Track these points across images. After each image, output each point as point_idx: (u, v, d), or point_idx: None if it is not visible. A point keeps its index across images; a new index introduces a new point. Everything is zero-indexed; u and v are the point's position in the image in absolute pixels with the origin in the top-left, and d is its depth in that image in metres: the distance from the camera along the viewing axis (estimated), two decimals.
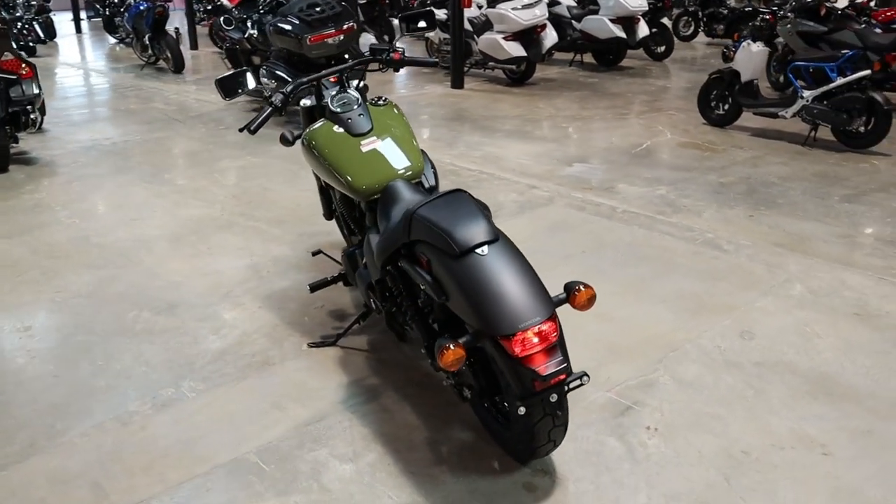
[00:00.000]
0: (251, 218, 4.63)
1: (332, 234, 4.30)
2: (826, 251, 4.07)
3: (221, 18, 7.39)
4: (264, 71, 6.57)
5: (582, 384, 2.02)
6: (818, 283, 3.68)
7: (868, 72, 5.89)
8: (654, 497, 2.25)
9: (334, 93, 3.08)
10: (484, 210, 2.28)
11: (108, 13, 13.96)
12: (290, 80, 6.24)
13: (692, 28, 14.01)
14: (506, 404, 2.29)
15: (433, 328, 2.49)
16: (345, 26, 6.32)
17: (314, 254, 3.59)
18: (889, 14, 9.13)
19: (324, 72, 3.13)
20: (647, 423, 2.60)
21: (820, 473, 2.37)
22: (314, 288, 3.25)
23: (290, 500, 2.25)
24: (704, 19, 13.73)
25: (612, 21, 9.99)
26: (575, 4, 10.88)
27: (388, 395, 2.77)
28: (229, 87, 3.04)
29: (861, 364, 2.97)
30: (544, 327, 1.96)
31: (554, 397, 1.98)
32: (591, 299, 2.10)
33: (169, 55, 10.32)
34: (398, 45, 3.33)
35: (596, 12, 10.18)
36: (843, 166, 5.75)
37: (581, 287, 2.09)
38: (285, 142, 3.24)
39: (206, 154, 6.21)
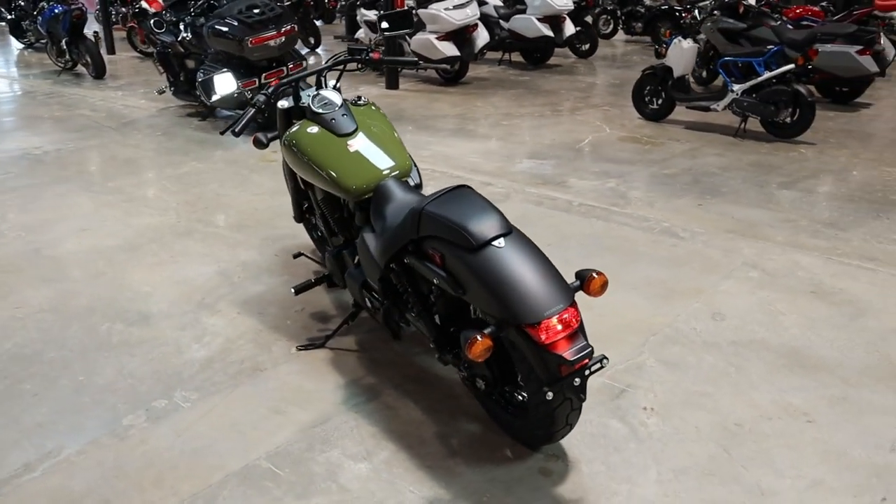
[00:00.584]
0: (210, 224, 4.52)
1: (298, 238, 4.26)
2: (774, 235, 4.31)
3: (152, 21, 7.16)
4: (201, 74, 6.45)
5: (602, 367, 2.09)
6: (773, 265, 3.90)
7: (792, 66, 6.25)
8: (663, 472, 2.36)
9: (314, 93, 3.07)
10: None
11: (14, 17, 13.26)
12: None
13: (612, 26, 14.45)
14: (521, 393, 2.35)
15: (436, 323, 2.52)
16: (286, 28, 6.25)
17: (295, 256, 3.56)
18: (798, 12, 9.70)
19: (303, 72, 3.11)
20: (643, 404, 2.71)
21: (808, 440, 2.52)
22: (299, 290, 3.22)
23: (310, 502, 2.24)
24: (623, 17, 14.19)
25: (540, 20, 10.21)
26: (502, 4, 11.06)
27: (388, 393, 2.78)
28: (212, 91, 2.99)
29: (825, 337, 3.17)
30: (567, 314, 2.02)
31: (577, 381, 2.05)
32: (604, 285, 2.18)
33: (88, 60, 9.90)
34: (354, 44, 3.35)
35: (524, 12, 10.38)
36: (775, 155, 6.08)
37: (594, 274, 2.16)
38: (260, 144, 3.20)
39: (148, 161, 6.02)
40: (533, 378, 2.13)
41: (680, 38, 6.91)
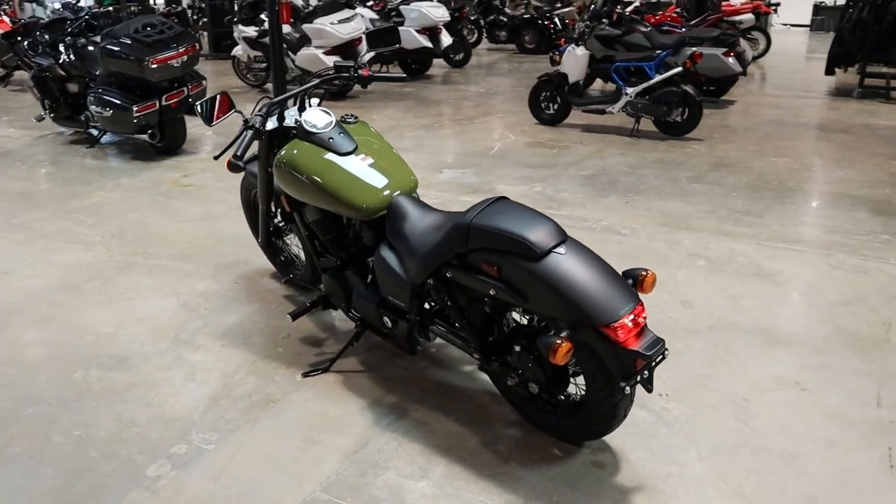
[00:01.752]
0: (150, 256, 4.25)
1: (251, 263, 4.11)
2: (704, 226, 4.67)
3: (26, 43, 6.58)
4: (92, 98, 6.04)
5: (664, 357, 2.21)
6: (713, 254, 4.22)
7: (680, 69, 6.77)
8: (701, 450, 2.52)
9: (302, 113, 3.00)
10: None
11: None
12: (125, 104, 5.81)
13: (476, 35, 14.90)
14: (576, 392, 2.43)
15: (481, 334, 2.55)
16: (187, 46, 5.98)
17: (286, 281, 3.44)
18: (658, 18, 10.47)
19: (293, 91, 3.03)
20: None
21: (808, 405, 2.78)
22: (296, 316, 3.14)
23: None
24: (486, 27, 14.67)
25: (418, 31, 10.37)
26: (377, 17, 11.12)
27: (416, 409, 2.76)
28: (212, 113, 2.85)
29: (784, 315, 3.50)
30: (636, 312, 2.13)
31: (646, 373, 2.16)
32: (654, 282, 2.30)
33: None
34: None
35: (401, 24, 10.50)
36: (673, 152, 6.56)
37: (644, 272, 2.28)
38: (236, 168, 3.08)
39: (46, 193, 5.54)
40: (600, 376, 2.21)
41: (573, 45, 7.27)
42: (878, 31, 8.66)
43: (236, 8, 10.79)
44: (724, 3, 11.54)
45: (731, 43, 8.11)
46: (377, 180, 2.78)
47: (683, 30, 9.66)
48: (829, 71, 9.55)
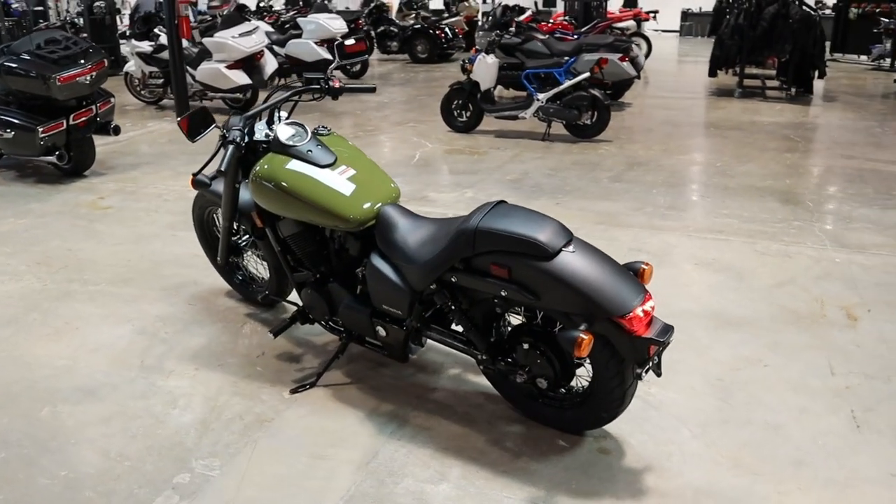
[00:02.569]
0: (87, 283, 4.02)
1: (200, 283, 3.97)
2: (635, 222, 4.92)
3: None
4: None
5: (670, 342, 2.34)
6: (651, 247, 4.47)
7: (588, 74, 7.08)
8: (693, 429, 2.68)
9: (274, 126, 2.96)
10: None
11: None
12: (28, 124, 5.47)
13: (367, 46, 14.90)
14: (578, 384, 2.52)
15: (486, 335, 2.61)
16: (96, 62, 5.69)
17: (262, 299, 3.36)
18: (551, 27, 10.88)
19: (267, 104, 2.98)
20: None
21: (774, 379, 3.01)
22: (277, 333, 3.08)
23: None
24: (377, 38, 14.71)
25: (317, 43, 10.29)
26: (272, 30, 10.94)
27: (416, 416, 2.78)
28: (194, 129, 2.75)
29: (730, 300, 3.76)
30: (647, 302, 2.25)
31: (656, 359, 2.28)
32: (652, 274, 2.44)
33: None
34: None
35: (299, 36, 10.38)
36: (587, 154, 6.85)
37: (644, 265, 2.41)
38: (202, 185, 3.02)
39: None
40: (612, 364, 2.32)
41: (484, 54, 7.45)
42: (753, 36, 9.39)
43: (122, 23, 10.31)
44: (608, 12, 12.14)
45: (626, 48, 8.56)
46: (362, 191, 2.77)
47: (576, 37, 10.11)
48: (712, 73, 10.26)
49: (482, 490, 2.37)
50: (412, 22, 14.54)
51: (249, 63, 8.69)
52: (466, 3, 15.23)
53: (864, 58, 13.71)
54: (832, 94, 10.23)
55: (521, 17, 10.28)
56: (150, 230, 4.85)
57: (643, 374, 2.27)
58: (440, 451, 2.56)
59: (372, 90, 3.22)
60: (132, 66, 9.25)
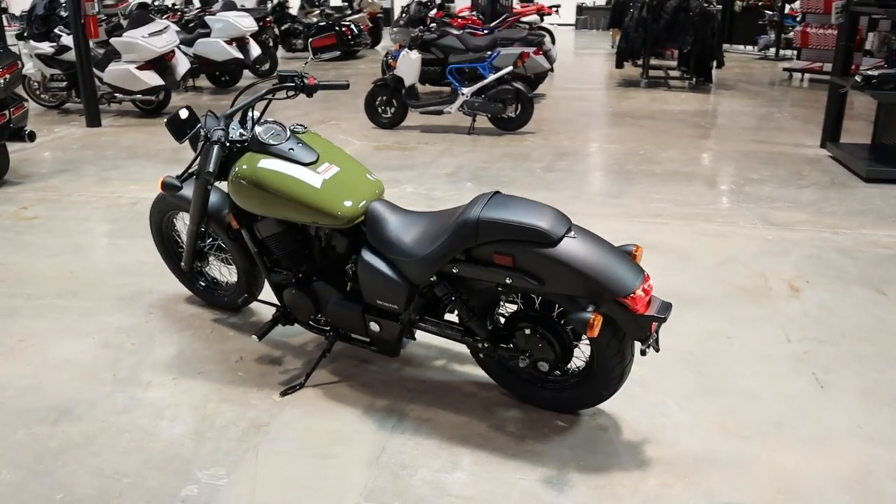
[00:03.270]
0: (31, 297, 3.80)
1: (155, 292, 3.83)
2: (577, 209, 5.10)
3: None
4: None
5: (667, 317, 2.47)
6: (599, 233, 4.64)
7: (511, 67, 7.23)
8: (678, 401, 2.83)
9: (250, 126, 2.91)
10: None
11: None
12: None
13: (271, 44, 14.59)
14: (581, 363, 2.62)
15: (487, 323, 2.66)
16: (8, 65, 5.34)
17: (245, 303, 3.28)
18: (461, 22, 11.01)
19: (243, 102, 2.92)
20: None
21: (738, 350, 3.22)
22: (262, 335, 3.02)
23: None
24: (281, 36, 14.42)
25: (227, 42, 10.01)
26: (178, 29, 10.54)
27: (412, 409, 2.80)
28: (180, 129, 2.66)
29: (682, 280, 3.97)
30: (647, 282, 2.37)
31: (655, 335, 2.41)
32: (642, 255, 2.56)
33: None
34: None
35: (207, 35, 10.06)
36: (515, 146, 7.01)
37: (635, 247, 2.53)
38: (172, 188, 2.94)
39: None
40: (614, 343, 2.42)
41: (407, 49, 7.47)
42: (656, 28, 9.84)
43: (9, 23, 9.66)
44: (512, 7, 12.40)
45: (539, 42, 8.79)
46: (349, 188, 2.77)
47: (486, 32, 10.28)
48: (619, 64, 10.67)
49: (496, 475, 2.43)
50: (316, 19, 14.34)
51: (161, 64, 8.35)
52: (369, 0, 15.16)
53: (750, 48, 14.60)
54: (728, 82, 10.86)
55: (433, 13, 10.36)
56: (86, 239, 4.62)
57: (646, 350, 2.39)
58: (446, 441, 2.60)
59: (345, 86, 3.21)
60: (31, 68, 8.70)
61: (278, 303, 3.15)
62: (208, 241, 3.47)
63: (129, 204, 5.34)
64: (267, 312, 3.59)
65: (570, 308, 2.41)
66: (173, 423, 2.73)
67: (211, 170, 2.60)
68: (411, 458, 2.52)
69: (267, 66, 11.79)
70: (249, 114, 2.99)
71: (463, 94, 7.34)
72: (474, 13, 12.26)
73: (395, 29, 9.21)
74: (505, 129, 7.51)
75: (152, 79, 8.23)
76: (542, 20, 13.11)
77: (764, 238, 4.52)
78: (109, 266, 4.19)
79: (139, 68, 8.16)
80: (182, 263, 3.48)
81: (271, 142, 2.83)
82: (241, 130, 2.93)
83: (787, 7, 13.23)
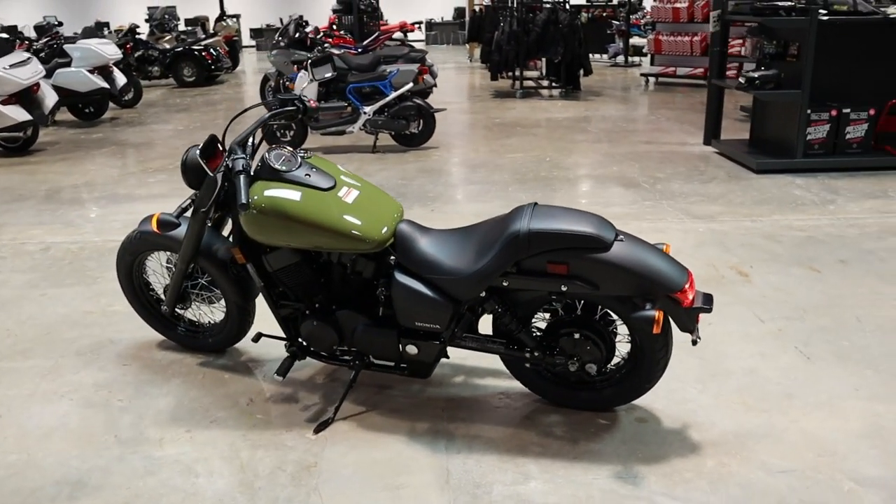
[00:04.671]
0: None
1: (119, 341, 3.54)
2: None
3: None
4: None
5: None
6: None
7: (412, 84, 7.30)
8: (696, 386, 3.01)
9: (263, 153, 2.80)
10: None
11: None
12: None
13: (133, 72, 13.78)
14: (630, 357, 2.72)
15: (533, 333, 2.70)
16: None
17: (255, 339, 3.08)
18: (335, 41, 10.95)
19: (249, 128, 2.79)
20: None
21: (724, 334, 3.47)
22: (283, 373, 2.88)
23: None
24: (136, 63, 13.65)
25: (90, 72, 9.36)
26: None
27: (456, 427, 2.78)
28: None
29: None
30: (691, 277, 2.51)
31: (698, 326, 2.56)
32: (670, 252, 2.71)
33: None
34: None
35: (67, 64, 9.35)
36: (425, 161, 7.07)
37: (665, 245, 2.67)
38: (170, 226, 2.78)
39: None
40: (661, 336, 2.55)
41: (304, 71, 7.34)
42: (528, 41, 10.28)
43: None
44: (381, 24, 12.50)
45: (422, 59, 8.93)
46: (373, 211, 2.72)
47: (359, 50, 10.31)
48: (494, 77, 11.04)
49: (567, 478, 2.48)
50: (169, 45, 13.69)
51: (26, 97, 7.65)
52: (224, 23, 14.69)
53: (598, 56, 15.59)
54: (594, 89, 11.54)
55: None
56: (8, 294, 4.17)
57: (697, 340, 2.53)
58: (505, 454, 2.61)
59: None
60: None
61: (286, 337, 3.02)
62: (189, 282, 3.26)
63: (40, 250, 4.87)
64: (251, 349, 3.42)
65: (620, 309, 2.51)
66: (211, 478, 2.55)
67: (245, 201, 2.46)
68: (480, 476, 2.50)
69: (130, 94, 11.12)
70: (249, 141, 2.86)
71: (365, 113, 7.31)
72: (342, 32, 12.22)
73: (274, 52, 8.98)
74: (408, 146, 7.56)
75: (18, 114, 7.53)
76: (405, 36, 13.31)
77: (696, 231, 4.87)
78: (50, 319, 3.81)
79: (3, 103, 7.44)
80: (163, 307, 3.24)
81: (284, 168, 2.72)
82: (246, 160, 2.79)
83: (632, 17, 14.27)
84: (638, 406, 2.88)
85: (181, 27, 17.17)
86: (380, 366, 2.91)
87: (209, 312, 3.47)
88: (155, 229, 2.82)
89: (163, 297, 3.42)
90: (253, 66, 18.10)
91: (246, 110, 2.99)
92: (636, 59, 14.56)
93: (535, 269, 2.51)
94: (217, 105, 11.22)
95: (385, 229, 2.68)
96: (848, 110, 6.11)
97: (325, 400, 2.99)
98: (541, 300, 2.62)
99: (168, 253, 3.28)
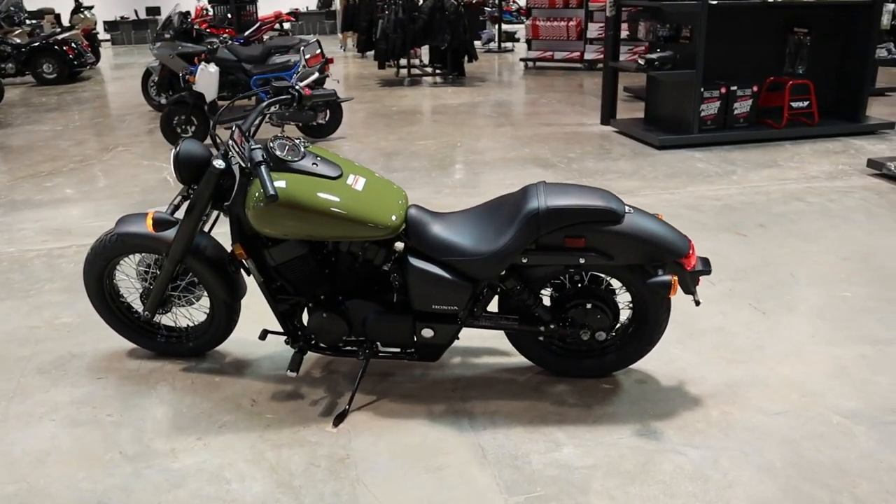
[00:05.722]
0: None
1: (82, 355, 3.32)
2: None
3: None
4: None
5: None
6: None
7: (317, 75, 7.17)
8: (677, 346, 3.25)
9: (268, 144, 2.72)
10: None
11: None
12: None
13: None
14: (632, 321, 2.88)
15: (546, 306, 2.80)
16: None
17: (262, 337, 2.97)
18: (219, 31, 10.53)
19: (251, 119, 2.70)
20: None
21: (682, 298, 3.74)
22: (297, 368, 2.83)
23: (593, 486, 2.39)
24: None
25: None
26: None
27: (473, 406, 2.85)
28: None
29: None
30: (691, 243, 2.71)
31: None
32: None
33: None
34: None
35: None
36: (337, 150, 7.03)
37: (657, 214, 2.85)
38: (166, 225, 2.68)
39: None
40: (661, 298, 2.74)
41: (205, 63, 7.03)
42: (414, 28, 10.35)
43: None
44: (257, 16, 12.12)
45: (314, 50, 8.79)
46: (383, 197, 2.72)
47: (240, 42, 10.00)
48: (381, 66, 11.02)
49: (596, 441, 2.62)
50: (21, 40, 12.57)
51: None
52: (82, 16, 13.67)
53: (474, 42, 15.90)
54: (476, 75, 11.80)
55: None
56: None
57: (699, 300, 2.73)
58: (529, 426, 2.71)
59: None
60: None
61: (284, 332, 2.96)
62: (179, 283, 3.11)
63: None
64: (232, 349, 3.31)
65: (629, 277, 2.67)
66: (244, 483, 2.48)
67: (273, 192, 2.37)
68: (513, 448, 2.59)
69: None
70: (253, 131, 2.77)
71: None
72: (216, 23, 11.73)
73: (157, 44, 8.50)
74: (316, 137, 7.44)
75: None
76: (282, 27, 12.99)
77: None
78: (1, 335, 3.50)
79: None
80: (143, 313, 3.07)
81: (290, 158, 2.66)
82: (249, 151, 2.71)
83: (503, 3, 14.66)
84: (633, 370, 3.07)
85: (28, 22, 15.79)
86: (386, 353, 2.92)
87: (188, 315, 3.32)
88: (150, 229, 2.67)
89: (134, 304, 3.24)
90: (111, 61, 16.97)
91: (237, 98, 2.90)
92: (509, 44, 15.00)
93: (554, 245, 2.62)
94: (89, 103, 10.48)
95: (396, 215, 2.69)
96: (735, 88, 6.65)
97: (331, 392, 2.97)
98: (551, 275, 2.74)
99: (140, 255, 3.11)
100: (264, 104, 2.79)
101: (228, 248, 3.07)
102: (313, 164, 2.68)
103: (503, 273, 2.69)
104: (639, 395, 2.89)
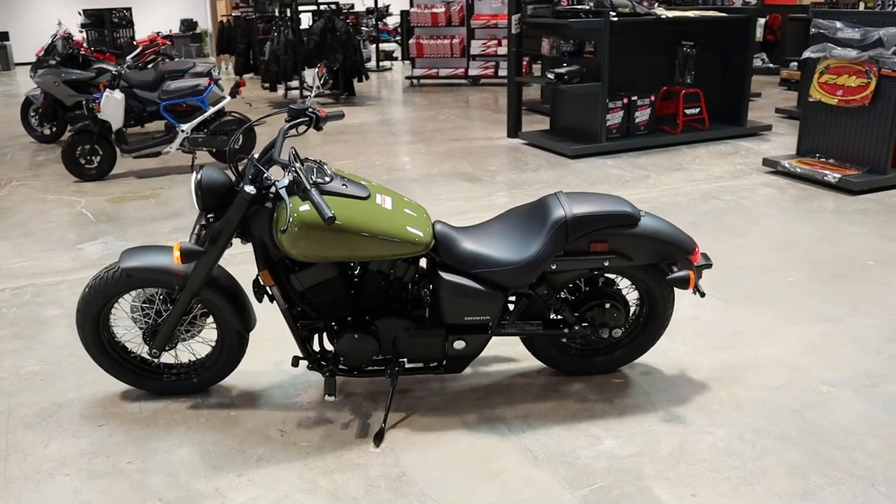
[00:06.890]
0: None
1: (72, 403, 3.11)
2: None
3: None
4: None
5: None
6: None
7: (229, 98, 7.01)
8: (666, 335, 3.50)
9: (295, 166, 2.69)
10: None
11: None
12: None
13: None
14: (641, 316, 3.07)
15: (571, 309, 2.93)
16: None
17: (294, 364, 2.89)
18: (101, 56, 9.95)
19: (275, 143, 2.67)
20: None
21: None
22: (334, 392, 2.80)
23: (647, 468, 2.55)
24: None
25: None
26: None
27: (503, 411, 2.94)
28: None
29: None
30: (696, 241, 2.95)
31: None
32: None
33: None
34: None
35: None
36: None
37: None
38: (194, 255, 2.63)
39: None
40: (672, 294, 2.96)
41: (109, 90, 6.67)
42: (305, 49, 10.27)
43: None
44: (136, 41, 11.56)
45: (209, 73, 8.55)
46: (411, 215, 2.77)
47: (118, 67, 9.55)
48: (273, 88, 10.83)
49: (631, 431, 2.78)
50: None
51: None
52: None
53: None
54: (366, 94, 11.86)
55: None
56: None
57: (704, 293, 2.97)
58: (564, 424, 2.84)
59: (341, 116, 3.07)
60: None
61: (304, 357, 2.93)
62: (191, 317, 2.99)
63: None
64: (235, 382, 3.21)
65: (642, 276, 2.88)
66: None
67: (330, 214, 2.35)
68: (559, 446, 2.71)
69: None
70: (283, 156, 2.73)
71: (183, 131, 6.86)
72: (93, 48, 11.09)
73: (40, 70, 7.94)
74: (225, 161, 7.23)
75: None
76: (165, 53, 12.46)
77: None
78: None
79: None
80: (152, 350, 2.93)
81: (321, 181, 2.66)
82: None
83: (380, 23, 14.82)
84: (636, 364, 3.27)
85: None
86: (412, 368, 2.96)
87: (190, 349, 3.19)
88: (177, 261, 2.56)
89: (127, 344, 3.08)
90: None
91: (260, 120, 2.84)
92: (387, 63, 15.16)
93: (580, 250, 2.77)
94: None
95: (426, 232, 2.75)
96: (636, 98, 7.15)
97: (356, 414, 2.96)
98: (571, 279, 2.89)
99: (137, 291, 2.97)
100: (286, 126, 2.76)
101: (236, 276, 2.99)
102: (343, 185, 2.69)
103: (534, 280, 2.81)
104: (649, 385, 3.09)
